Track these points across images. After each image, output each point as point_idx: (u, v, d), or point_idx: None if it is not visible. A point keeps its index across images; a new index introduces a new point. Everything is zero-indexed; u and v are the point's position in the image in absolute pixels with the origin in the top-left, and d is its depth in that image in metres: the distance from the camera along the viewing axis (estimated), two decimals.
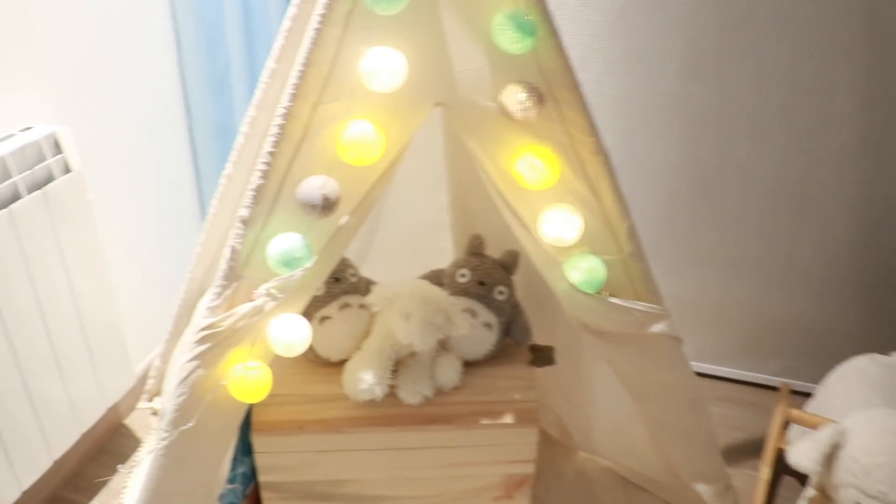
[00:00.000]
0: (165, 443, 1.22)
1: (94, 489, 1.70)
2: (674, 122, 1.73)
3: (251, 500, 1.45)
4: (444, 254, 1.65)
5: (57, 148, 1.41)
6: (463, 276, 1.38)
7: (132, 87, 1.72)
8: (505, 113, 1.14)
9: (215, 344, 1.18)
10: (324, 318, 1.36)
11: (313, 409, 1.36)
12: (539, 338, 1.45)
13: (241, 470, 1.42)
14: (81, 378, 1.55)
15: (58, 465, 1.55)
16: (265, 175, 1.13)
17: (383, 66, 1.08)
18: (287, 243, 1.16)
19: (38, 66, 1.47)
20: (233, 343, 1.20)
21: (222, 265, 1.18)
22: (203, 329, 1.18)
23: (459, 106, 1.19)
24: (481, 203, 1.38)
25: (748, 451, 1.73)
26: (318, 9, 1.06)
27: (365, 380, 1.29)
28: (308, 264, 1.17)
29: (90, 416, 1.61)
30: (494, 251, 1.43)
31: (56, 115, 1.50)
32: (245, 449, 1.39)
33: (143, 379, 1.76)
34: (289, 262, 1.16)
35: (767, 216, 1.77)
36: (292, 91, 1.09)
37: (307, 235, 1.16)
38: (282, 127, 1.11)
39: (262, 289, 1.18)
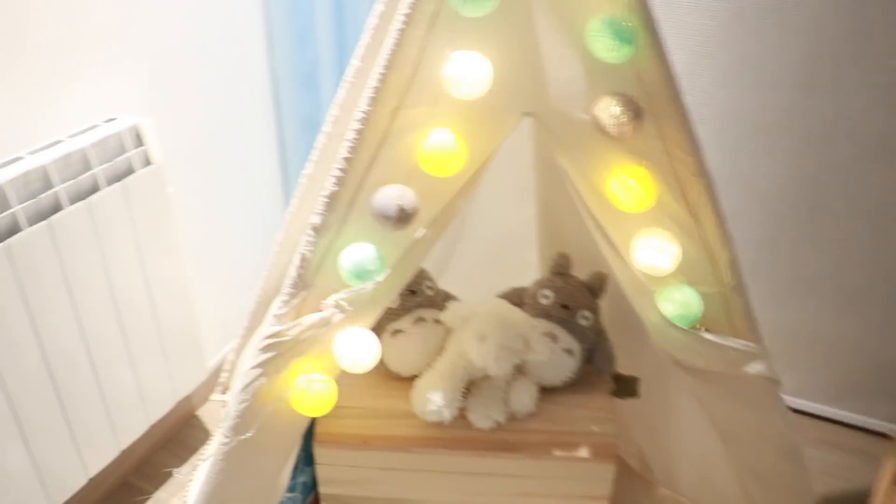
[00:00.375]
0: (225, 448, 1.18)
1: (162, 478, 1.70)
2: (785, 138, 1.59)
3: None
4: (529, 267, 1.56)
5: (139, 140, 1.39)
6: (545, 297, 1.29)
7: (221, 79, 1.70)
8: (598, 127, 1.04)
9: (279, 353, 1.14)
10: (396, 332, 1.30)
11: (379, 424, 1.30)
12: (623, 367, 1.35)
13: (301, 479, 1.37)
14: (153, 369, 1.54)
15: (126, 452, 1.55)
16: (339, 182, 1.07)
17: (468, 72, 1.00)
18: (359, 254, 1.10)
19: (125, 57, 1.45)
20: (298, 353, 1.15)
21: (291, 272, 1.13)
22: (268, 337, 1.14)
23: (549, 117, 1.10)
24: (570, 219, 1.29)
25: (848, 502, 1.58)
26: (402, 8, 0.99)
27: (434, 401, 1.22)
28: (380, 277, 1.11)
29: (161, 407, 1.60)
30: (581, 271, 1.33)
31: (141, 106, 1.49)
32: (307, 458, 1.34)
33: (216, 372, 1.73)
34: (360, 275, 1.10)
35: (885, 245, 1.61)
36: (371, 94, 1.03)
37: (381, 247, 1.10)
38: (359, 132, 1.05)
39: (331, 300, 1.13)
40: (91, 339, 1.37)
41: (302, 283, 1.13)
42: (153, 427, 1.60)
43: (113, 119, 1.39)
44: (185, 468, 1.72)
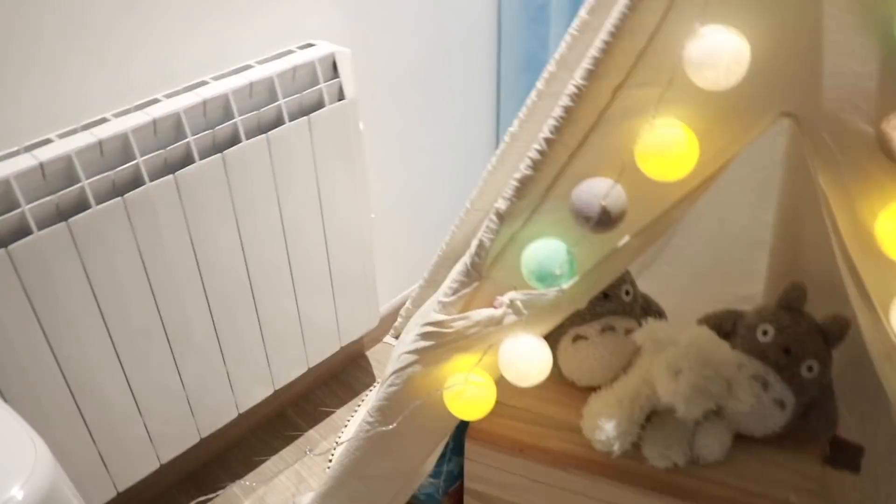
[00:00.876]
0: (366, 432, 1.09)
1: (318, 417, 1.66)
2: None
3: (453, 499, 1.30)
4: (755, 277, 1.31)
5: (333, 71, 1.27)
6: (765, 333, 1.05)
7: (434, 8, 1.54)
8: (885, 147, 0.78)
9: (439, 344, 1.00)
10: (578, 337, 1.12)
11: (540, 432, 1.15)
12: (846, 431, 1.10)
13: (448, 467, 1.26)
14: (323, 309, 1.48)
15: (288, 386, 1.51)
16: (536, 166, 0.89)
17: (717, 53, 0.77)
18: (546, 253, 0.92)
19: None
20: (460, 348, 1.01)
21: (465, 258, 0.98)
22: (429, 324, 1.01)
23: (817, 122, 0.84)
24: (815, 244, 1.04)
25: None
26: None
27: (605, 429, 1.04)
28: (565, 285, 0.93)
29: (327, 347, 1.54)
30: (816, 309, 1.07)
31: (342, 33, 1.37)
32: (458, 448, 1.22)
33: (390, 318, 1.64)
34: (543, 278, 0.93)
35: None
36: (590, 66, 0.83)
37: (573, 249, 0.92)
38: (568, 110, 0.86)
39: (506, 297, 0.97)
40: (262, 272, 1.31)
41: (476, 273, 0.98)
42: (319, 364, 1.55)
43: (310, 45, 1.28)
44: (341, 410, 1.68)
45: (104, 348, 1.15)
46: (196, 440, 1.36)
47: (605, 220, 0.87)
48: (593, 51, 0.83)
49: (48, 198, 1.01)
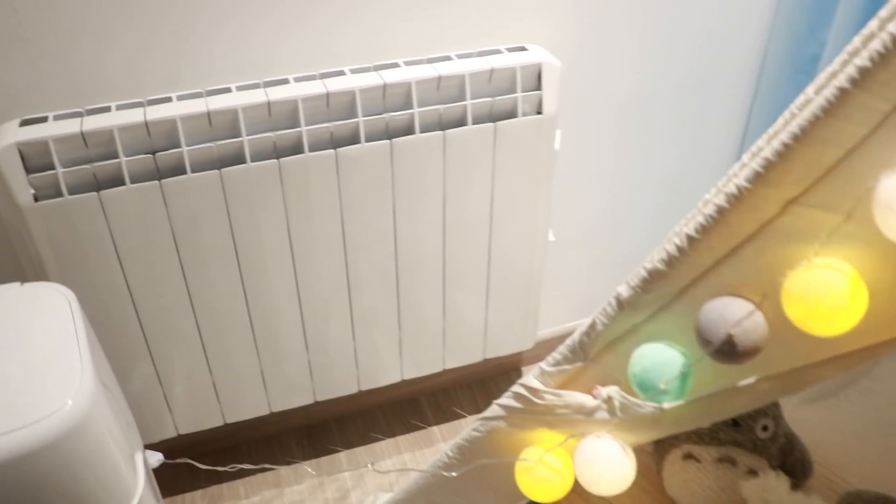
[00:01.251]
0: (440, 468, 1.02)
1: (448, 416, 1.62)
2: None
3: None
4: None
5: (537, 81, 1.18)
6: None
7: (687, 39, 1.37)
8: None
9: (527, 410, 0.91)
10: (689, 456, 0.96)
11: None
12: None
13: None
14: (473, 317, 1.42)
15: (430, 375, 1.48)
16: (670, 262, 0.75)
17: None
18: (656, 361, 0.78)
19: None
20: (547, 423, 0.91)
21: (574, 334, 0.87)
22: (523, 386, 0.91)
23: None
24: None
25: None
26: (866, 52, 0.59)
27: None
28: (667, 404, 0.79)
29: (469, 355, 1.49)
30: None
31: (564, 43, 1.27)
32: None
33: (548, 343, 1.55)
34: (645, 388, 0.79)
35: None
36: (760, 168, 0.67)
37: (691, 367, 0.77)
38: (721, 211, 0.71)
39: (606, 391, 0.84)
40: (414, 259, 1.28)
41: (581, 353, 0.87)
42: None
43: (522, 49, 1.20)
44: (472, 418, 1.62)
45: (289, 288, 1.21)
46: (311, 401, 1.38)
47: (727, 351, 0.71)
48: (768, 151, 0.67)
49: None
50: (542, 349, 1.55)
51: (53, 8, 0.99)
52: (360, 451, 1.53)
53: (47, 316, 0.85)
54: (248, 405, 1.33)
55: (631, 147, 1.48)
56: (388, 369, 1.41)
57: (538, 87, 1.18)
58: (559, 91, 1.20)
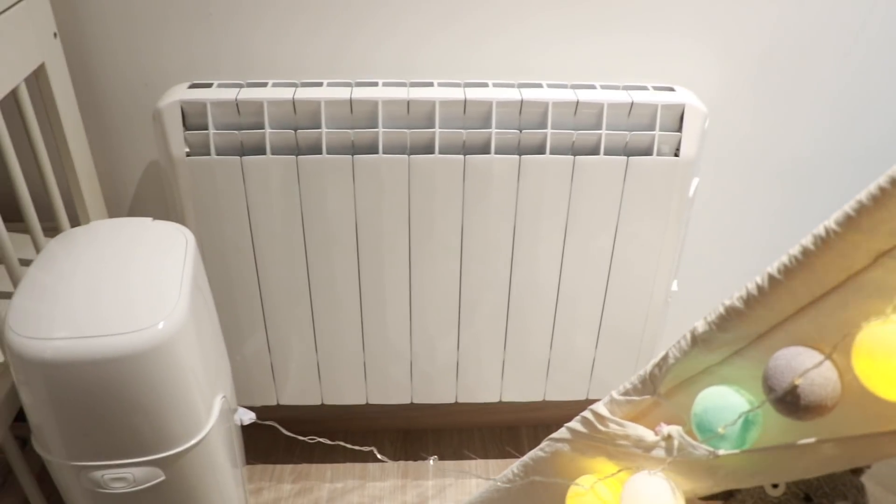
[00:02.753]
0: (504, 483, 1.02)
1: None
2: None
3: None
4: None
5: (679, 123, 1.16)
6: None
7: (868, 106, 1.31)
8: None
9: (591, 436, 0.89)
10: None
11: None
12: None
13: None
14: (580, 353, 1.39)
15: (537, 404, 1.47)
16: (748, 301, 0.72)
17: None
18: (718, 403, 0.75)
19: (726, 19, 1.20)
20: (607, 452, 0.89)
21: (647, 366, 0.85)
22: (592, 412, 0.91)
23: None
24: None
25: None
26: None
27: None
28: (722, 451, 0.75)
29: (572, 391, 1.46)
30: None
31: (712, 87, 1.25)
32: None
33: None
34: (703, 429, 0.76)
35: None
36: (851, 212, 0.64)
37: (754, 415, 0.73)
38: (806, 253, 0.67)
39: (668, 429, 0.81)
40: (525, 284, 1.28)
41: (651, 386, 0.84)
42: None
43: (669, 89, 1.19)
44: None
45: (402, 286, 1.26)
46: (407, 401, 1.41)
47: (790, 402, 0.67)
48: (863, 194, 0.63)
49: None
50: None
51: None
52: (449, 465, 1.54)
53: (164, 249, 0.94)
54: (348, 392, 1.38)
55: (771, 213, 1.41)
56: (488, 388, 1.42)
57: (679, 128, 1.17)
58: (701, 136, 1.17)
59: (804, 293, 0.69)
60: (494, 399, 1.44)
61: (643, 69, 1.23)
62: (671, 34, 1.20)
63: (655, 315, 1.36)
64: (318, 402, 1.39)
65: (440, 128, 1.12)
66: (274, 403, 1.38)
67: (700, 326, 0.77)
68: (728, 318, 0.74)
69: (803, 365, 0.66)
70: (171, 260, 0.92)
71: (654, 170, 1.18)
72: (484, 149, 1.14)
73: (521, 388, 1.43)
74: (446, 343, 1.34)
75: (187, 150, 1.10)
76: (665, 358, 0.81)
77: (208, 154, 1.10)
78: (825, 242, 0.66)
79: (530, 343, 1.36)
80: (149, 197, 1.29)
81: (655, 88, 1.18)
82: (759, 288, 0.71)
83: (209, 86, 1.12)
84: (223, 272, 1.21)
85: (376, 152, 1.12)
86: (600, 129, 1.14)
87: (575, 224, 1.22)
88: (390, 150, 1.12)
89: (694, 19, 1.19)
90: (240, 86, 1.12)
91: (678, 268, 1.33)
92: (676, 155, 1.18)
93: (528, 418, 1.63)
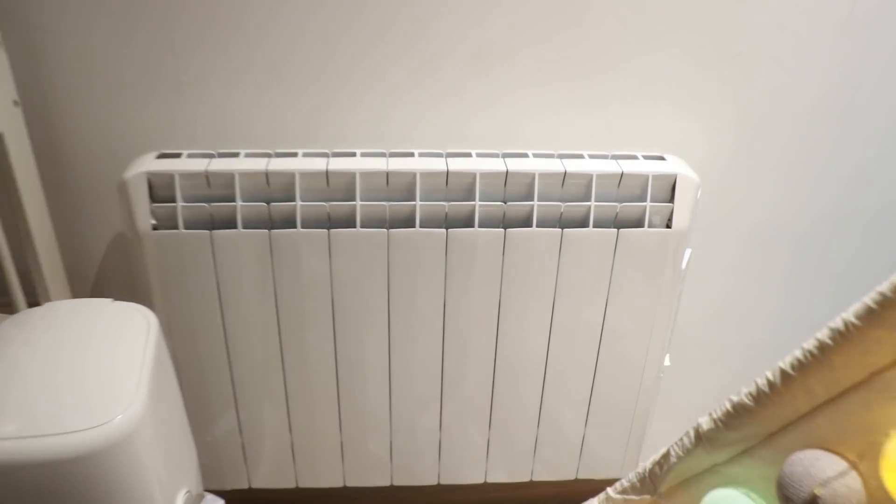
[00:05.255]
0: None
1: None
2: None
3: None
4: None
5: (670, 193, 1.12)
6: None
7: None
8: None
9: None
10: None
11: None
12: None
13: None
14: (567, 431, 1.33)
15: (523, 485, 1.40)
16: (758, 398, 0.66)
17: None
18: None
19: (715, 88, 1.17)
20: None
21: (647, 463, 0.78)
22: (600, 498, 0.84)
23: None
24: None
25: None
26: None
27: None
28: None
29: (560, 471, 1.39)
30: None
31: (717, 162, 1.21)
32: None
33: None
34: None
35: None
36: (873, 304, 0.58)
37: None
38: (823, 348, 0.62)
39: None
40: (510, 358, 1.22)
41: (650, 485, 0.78)
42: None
43: (659, 158, 1.15)
44: None
45: (381, 363, 1.20)
46: (387, 482, 1.33)
47: None
48: (885, 286, 0.58)
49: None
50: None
51: (209, 56, 1.06)
52: None
53: (124, 334, 0.87)
54: (324, 473, 1.30)
55: (765, 281, 1.37)
56: (473, 467, 1.34)
57: (670, 199, 1.12)
58: (693, 206, 1.13)
59: (821, 391, 0.63)
60: (479, 480, 1.36)
61: (631, 137, 1.19)
62: (658, 103, 1.17)
63: (647, 391, 1.30)
64: (293, 485, 1.31)
65: (421, 200, 1.06)
66: (246, 487, 1.29)
67: (705, 423, 0.71)
68: (736, 416, 0.68)
69: (824, 472, 0.60)
70: (131, 346, 0.85)
71: (645, 242, 1.13)
72: (467, 222, 1.09)
73: (508, 468, 1.36)
74: (428, 421, 1.27)
75: (154, 222, 1.04)
76: (666, 455, 0.75)
77: (176, 228, 1.04)
78: (844, 337, 0.60)
79: (517, 420, 1.30)
80: (114, 271, 1.22)
81: (645, 157, 1.14)
82: (771, 384, 0.65)
83: (178, 156, 1.06)
84: (191, 350, 1.14)
85: (354, 226, 1.06)
86: (589, 200, 1.09)
87: (563, 298, 1.16)
88: (369, 223, 1.07)
89: (681, 87, 1.16)
90: (210, 156, 1.06)
91: (670, 342, 1.27)
92: (668, 226, 1.13)
93: (511, 497, 1.55)
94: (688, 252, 1.17)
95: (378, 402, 1.24)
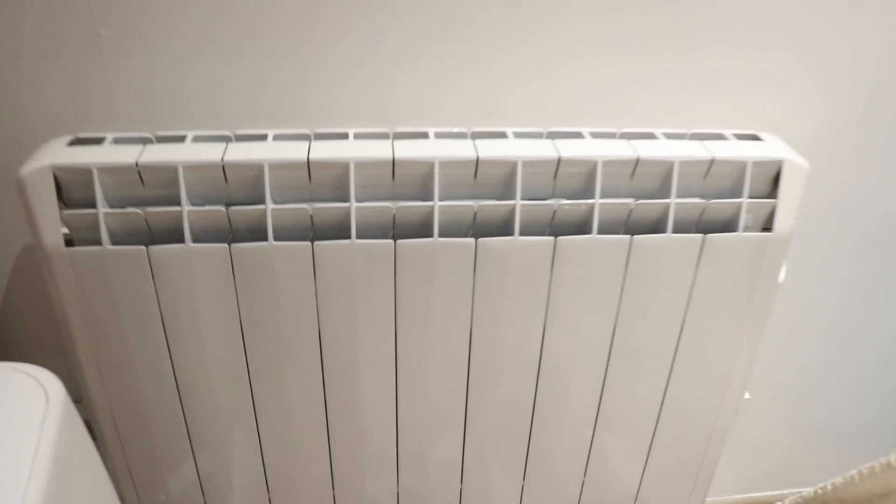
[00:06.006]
0: None
1: None
2: None
3: None
4: None
5: (772, 186, 0.83)
6: None
7: None
8: None
9: None
10: None
11: None
12: None
13: None
14: (621, 470, 1.06)
15: None
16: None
17: None
18: None
19: (824, 42, 0.88)
20: None
21: None
22: None
23: None
24: None
25: None
26: None
27: None
28: None
29: None
30: None
31: (818, 140, 0.92)
32: None
33: None
34: None
35: None
36: None
37: None
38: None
39: None
40: (554, 383, 0.94)
41: None
42: None
43: (753, 137, 0.85)
44: None
45: (385, 409, 0.90)
46: None
47: None
48: None
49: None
50: None
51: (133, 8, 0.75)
52: None
53: (12, 417, 0.58)
54: None
55: (870, 292, 1.09)
56: None
57: (772, 193, 0.83)
58: (799, 203, 0.84)
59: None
60: None
61: (707, 106, 0.89)
62: (745, 64, 0.87)
63: (720, 430, 1.03)
64: None
65: (441, 199, 0.77)
66: None
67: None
68: None
69: None
70: (19, 435, 0.56)
71: (738, 250, 0.84)
72: (504, 228, 0.79)
73: None
74: (447, 472, 1.00)
75: (66, 231, 0.74)
76: None
77: (98, 242, 0.74)
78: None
79: (559, 465, 1.03)
80: (27, 289, 0.92)
81: (737, 137, 0.85)
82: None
83: (99, 141, 0.76)
84: (133, 400, 0.85)
85: (348, 236, 0.76)
86: (667, 196, 0.80)
87: (627, 321, 0.88)
88: (368, 231, 0.77)
89: (777, 43, 0.86)
90: (146, 141, 0.77)
91: (752, 371, 1.00)
92: (768, 229, 0.84)
93: None
94: (784, 263, 0.89)
95: (381, 456, 0.96)
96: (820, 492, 0.99)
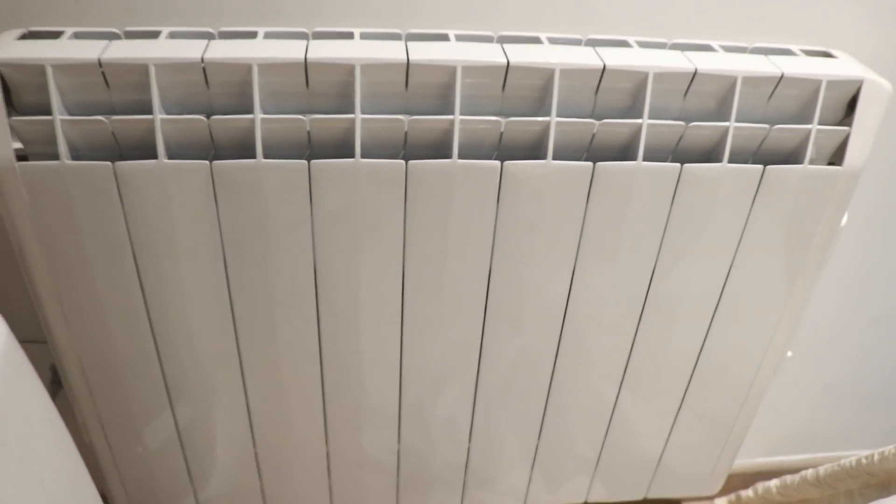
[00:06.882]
0: None
1: None
2: None
3: None
4: None
5: (847, 111, 0.71)
6: None
7: None
8: None
9: None
10: None
11: None
12: None
13: None
14: (642, 438, 0.97)
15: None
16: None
17: None
18: None
19: None
20: None
21: None
22: None
23: None
24: None
25: None
26: None
27: None
28: None
29: (626, 489, 1.04)
30: None
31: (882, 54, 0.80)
32: None
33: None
34: None
35: None
36: None
37: None
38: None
39: None
40: (576, 333, 0.83)
41: None
42: None
43: (825, 54, 0.74)
44: None
45: (388, 353, 0.79)
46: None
47: None
48: None
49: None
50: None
51: None
52: None
53: None
54: (304, 497, 0.94)
55: None
56: (511, 487, 0.98)
57: (845, 121, 0.72)
58: (877, 132, 0.72)
59: None
60: (518, 503, 1.00)
61: (762, 16, 0.77)
62: None
63: (757, 390, 0.93)
64: None
65: (462, 113, 0.65)
66: None
67: None
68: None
69: None
70: None
71: (800, 186, 0.73)
72: (533, 150, 0.68)
73: (557, 487, 1.00)
74: (455, 428, 0.90)
75: (18, 149, 0.62)
76: None
77: (56, 157, 0.62)
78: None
79: (577, 426, 0.93)
80: None
81: (806, 53, 0.73)
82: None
83: (56, 35, 0.64)
84: (97, 333, 0.74)
85: (351, 155, 0.65)
86: (726, 118, 0.69)
87: (667, 264, 0.77)
88: (375, 150, 0.66)
89: None
90: (112, 36, 0.64)
91: (798, 327, 0.89)
92: (835, 163, 0.73)
93: None
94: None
95: (382, 406, 0.86)
96: (864, 462, 0.90)
